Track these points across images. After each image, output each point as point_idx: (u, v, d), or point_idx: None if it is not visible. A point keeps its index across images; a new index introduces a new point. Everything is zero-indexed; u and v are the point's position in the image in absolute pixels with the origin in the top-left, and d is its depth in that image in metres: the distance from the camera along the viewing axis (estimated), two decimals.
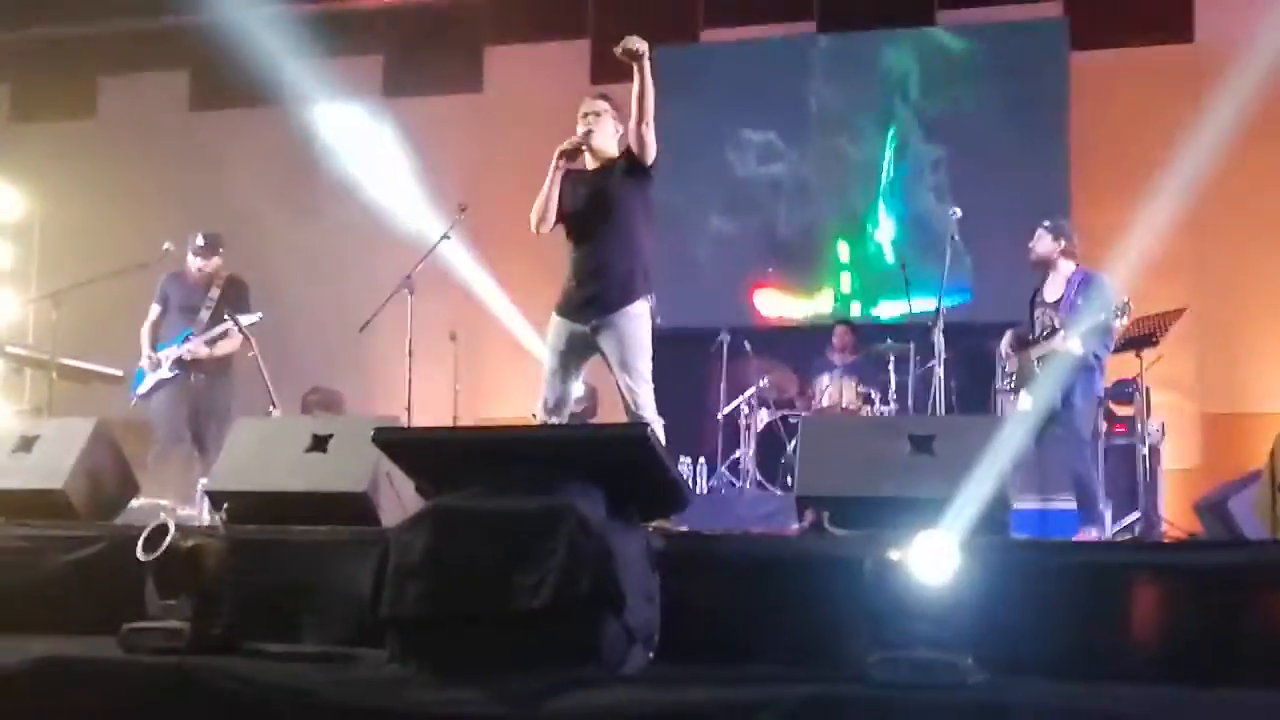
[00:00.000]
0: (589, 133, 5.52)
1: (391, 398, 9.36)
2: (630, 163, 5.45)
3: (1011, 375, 7.06)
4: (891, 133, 10.39)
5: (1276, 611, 3.68)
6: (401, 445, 4.11)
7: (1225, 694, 3.38)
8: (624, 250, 5.47)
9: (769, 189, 10.59)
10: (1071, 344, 6.66)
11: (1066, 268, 6.99)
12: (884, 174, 10.40)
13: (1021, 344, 7.02)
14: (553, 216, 5.56)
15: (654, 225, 5.62)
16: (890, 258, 10.20)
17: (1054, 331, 6.82)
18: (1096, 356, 6.78)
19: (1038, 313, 7.01)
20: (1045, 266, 7.03)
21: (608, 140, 5.57)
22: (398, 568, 3.68)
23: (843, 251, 10.47)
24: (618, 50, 5.30)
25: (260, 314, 7.27)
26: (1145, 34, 9.97)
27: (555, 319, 5.58)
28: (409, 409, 6.82)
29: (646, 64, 5.31)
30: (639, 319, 5.44)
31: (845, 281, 10.45)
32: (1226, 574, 3.76)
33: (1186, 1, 9.96)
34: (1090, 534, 6.46)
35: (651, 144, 5.39)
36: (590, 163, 5.61)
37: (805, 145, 10.55)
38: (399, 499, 4.44)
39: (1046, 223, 7.17)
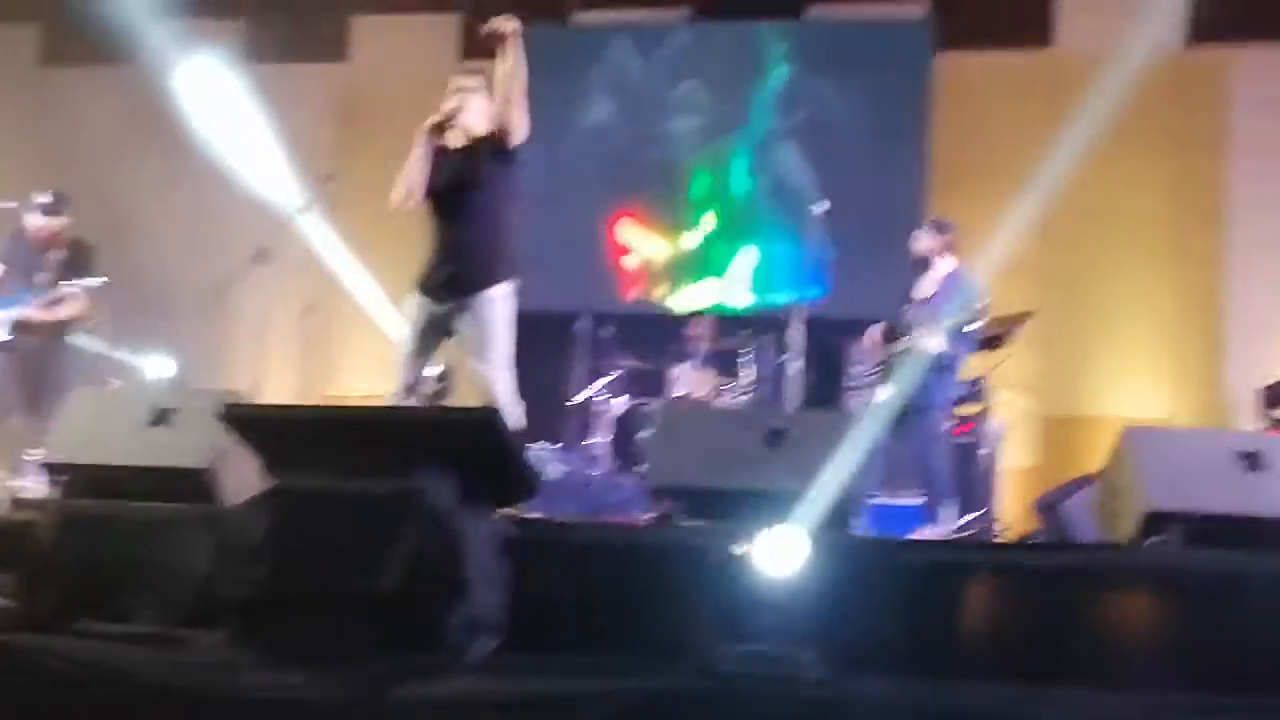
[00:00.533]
0: (458, 109, 5.38)
1: (238, 371, 9.18)
2: (497, 143, 5.36)
3: (872, 369, 7.08)
4: (757, 123, 10.44)
5: (1106, 612, 3.80)
6: (248, 422, 4.01)
7: (1056, 692, 3.47)
8: (488, 231, 5.37)
9: (635, 173, 10.57)
10: (929, 341, 6.69)
11: (945, 266, 7.02)
12: (749, 161, 10.45)
13: (888, 338, 7.04)
14: (418, 192, 5.41)
15: (519, 207, 5.53)
16: (751, 245, 10.27)
17: (919, 327, 6.84)
18: (955, 356, 6.83)
19: (907, 309, 7.01)
20: (923, 264, 7.04)
21: (477, 117, 5.42)
22: (238, 548, 3.61)
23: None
24: (484, 29, 5.24)
25: (105, 278, 6.97)
26: (1007, 38, 10.18)
27: (414, 297, 5.45)
28: (258, 384, 6.66)
29: (516, 44, 5.25)
30: (501, 302, 5.34)
31: (704, 270, 10.48)
32: (1060, 575, 3.87)
33: (1047, 8, 10.18)
34: (930, 530, 6.59)
35: (520, 125, 5.31)
36: (458, 140, 5.45)
37: (672, 132, 10.54)
38: (243, 477, 4.31)
39: (930, 219, 7.22)
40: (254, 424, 4.01)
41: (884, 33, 10.29)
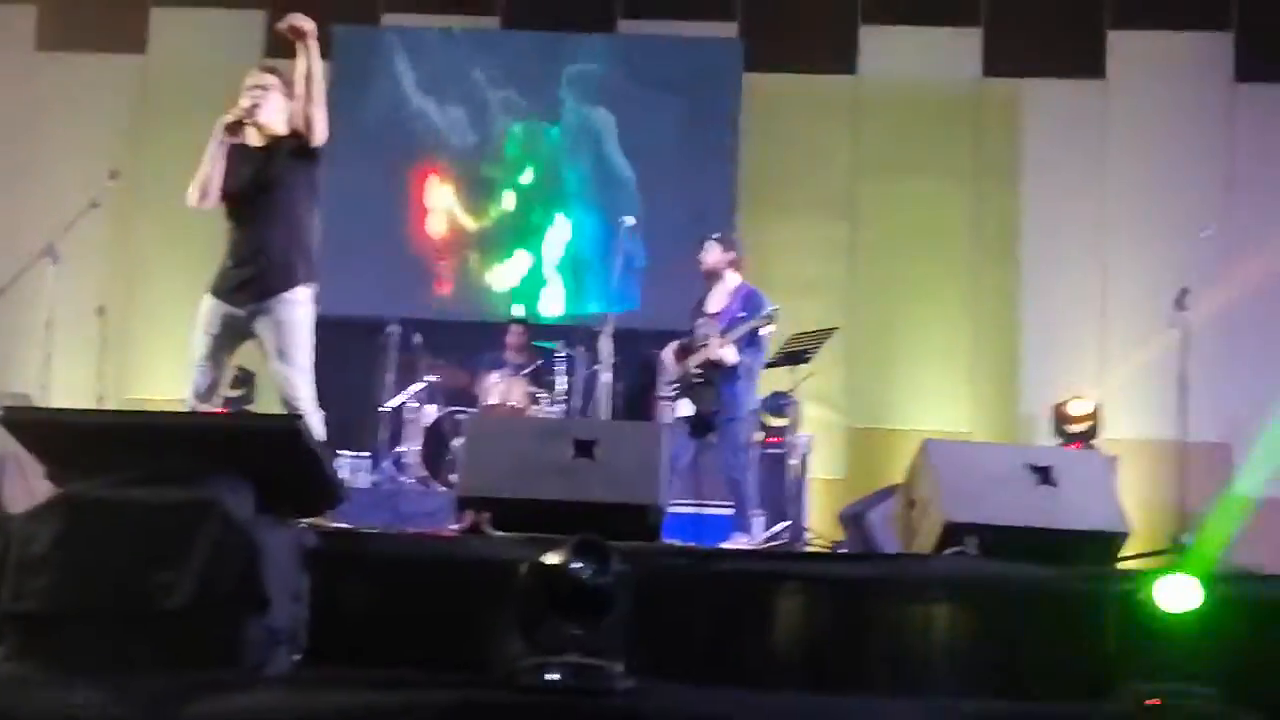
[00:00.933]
0: (255, 106, 5.19)
1: (27, 375, 8.75)
2: (297, 142, 5.20)
3: (673, 383, 7.16)
4: (569, 136, 10.46)
5: (903, 621, 3.89)
6: (30, 427, 3.81)
7: (855, 701, 3.54)
8: (286, 233, 5.20)
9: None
10: (725, 352, 6.82)
11: (732, 280, 7.15)
12: (559, 176, 10.46)
13: (684, 353, 7.13)
14: (215, 192, 5.21)
15: (317, 209, 5.37)
16: (562, 260, 10.28)
17: (710, 340, 6.95)
18: (749, 367, 6.95)
19: (699, 323, 7.11)
20: (712, 278, 7.15)
21: (274, 116, 5.24)
22: (20, 559, 3.44)
23: (517, 247, 10.47)
24: (282, 26, 5.12)
25: None
26: (813, 62, 10.41)
27: (208, 300, 5.24)
28: (46, 388, 6.33)
29: (313, 43, 5.13)
30: (299, 305, 5.19)
31: (516, 279, 10.44)
32: (860, 584, 3.95)
33: (850, 36, 10.44)
34: (741, 540, 6.67)
35: (320, 125, 5.17)
36: (255, 139, 5.27)
37: (483, 137, 10.48)
38: (27, 485, 4.11)
39: (716, 234, 7.31)
40: (37, 428, 3.82)
41: (697, 49, 10.41)
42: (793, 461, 8.06)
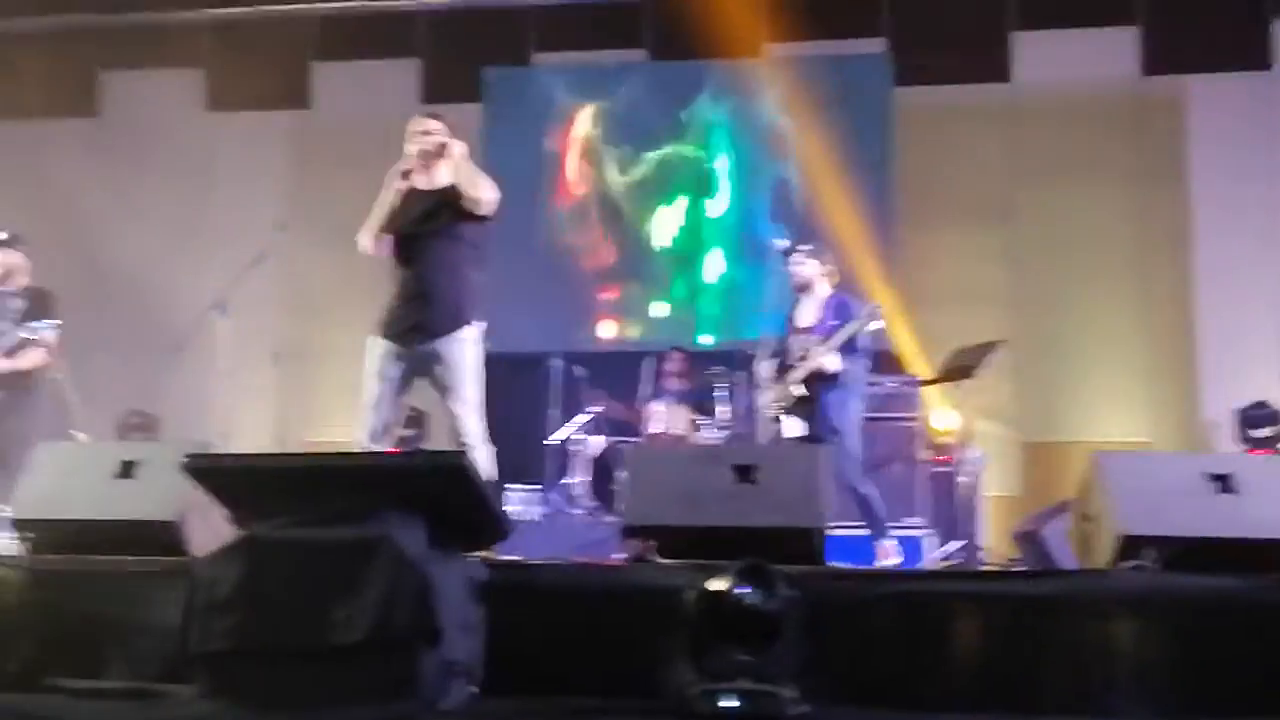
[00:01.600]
0: (424, 152, 5.36)
1: (210, 420, 9.11)
2: (463, 205, 5.33)
3: (776, 403, 6.90)
4: (723, 162, 10.50)
5: (1083, 639, 3.78)
6: (212, 472, 3.96)
7: None
8: (453, 275, 5.33)
9: (599, 213, 10.61)
10: (828, 360, 6.61)
11: (823, 291, 6.92)
12: (716, 201, 10.50)
13: (782, 372, 6.89)
14: (385, 235, 5.38)
15: (486, 250, 5.49)
16: (718, 285, 10.31)
17: (809, 352, 6.71)
18: (853, 374, 6.72)
19: (792, 340, 6.88)
20: (803, 290, 6.94)
21: (441, 163, 5.40)
22: (208, 600, 3.55)
23: (675, 276, 10.53)
24: (418, 152, 5.31)
25: (59, 321, 6.80)
26: (965, 72, 10.28)
27: (378, 342, 5.36)
28: (226, 434, 6.59)
29: (448, 155, 5.32)
30: (468, 344, 5.29)
31: (677, 306, 10.50)
32: (1036, 602, 3.85)
33: (1004, 43, 10.29)
34: (887, 548, 6.53)
35: (487, 200, 5.31)
36: (424, 183, 5.40)
37: (632, 171, 10.59)
38: (211, 528, 4.27)
39: (807, 247, 7.09)
40: (219, 474, 3.96)
41: (846, 66, 10.36)
42: (964, 479, 7.90)
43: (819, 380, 6.65)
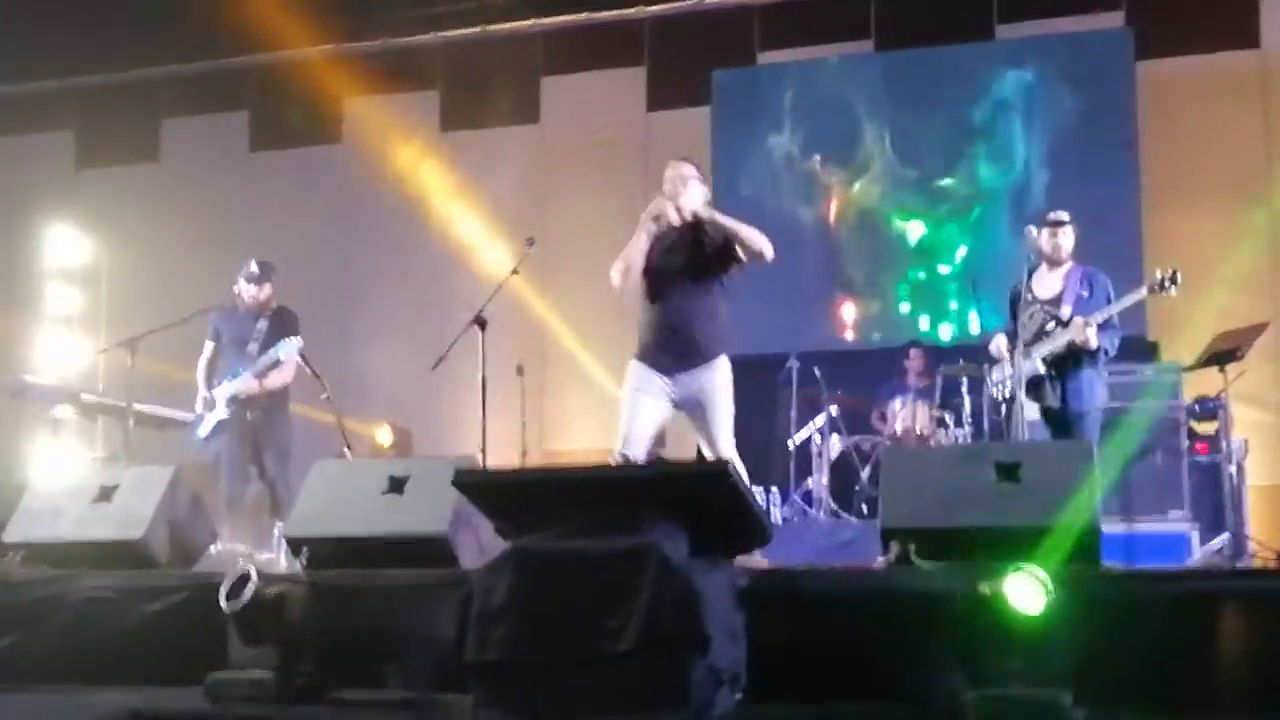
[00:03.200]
0: (677, 194, 5.53)
1: (458, 433, 9.41)
2: (726, 245, 5.52)
3: (1002, 382, 6.56)
4: (962, 150, 10.29)
5: None
6: (481, 486, 4.08)
7: None
8: (708, 310, 5.54)
9: (833, 209, 10.55)
10: (1090, 333, 6.17)
11: (1067, 264, 6.51)
12: (957, 191, 10.30)
13: (1025, 344, 6.38)
14: (637, 274, 5.57)
15: (736, 284, 5.66)
16: (963, 275, 10.11)
17: (1060, 327, 6.29)
18: (1107, 351, 6.31)
19: (1029, 312, 6.36)
20: (1058, 262, 6.50)
21: (695, 203, 5.55)
22: (481, 612, 3.65)
23: (911, 270, 10.39)
24: (677, 215, 5.45)
25: (300, 340, 7.10)
26: (1211, 41, 9.82)
27: (636, 364, 5.57)
28: (483, 448, 6.78)
29: (712, 218, 5.46)
30: (721, 373, 5.51)
31: (914, 301, 10.35)
32: None
33: (1252, 7, 9.78)
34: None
35: (768, 254, 5.49)
36: (677, 222, 5.55)
37: (869, 164, 10.47)
38: (478, 541, 4.40)
39: (1065, 217, 6.59)
40: (487, 488, 4.08)
41: (1084, 43, 10.03)
42: (1229, 469, 7.53)
43: (1071, 356, 6.26)
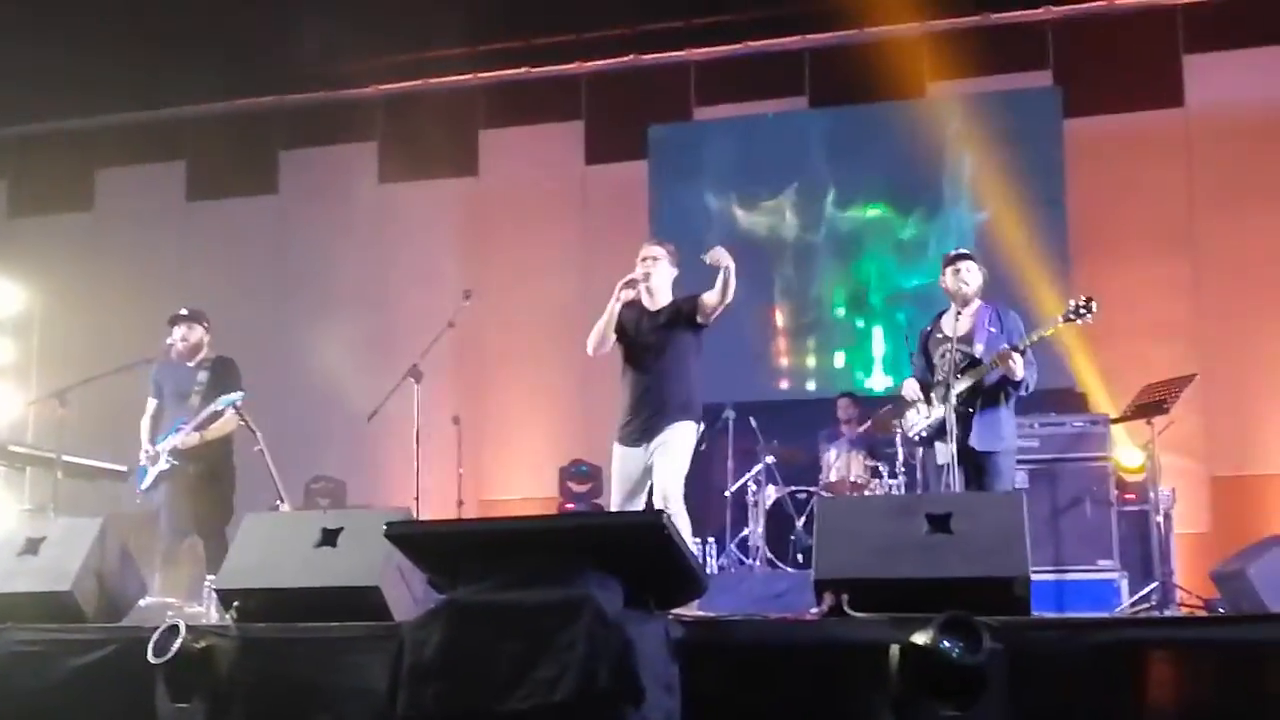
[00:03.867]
0: (648, 275, 6.12)
1: (393, 484, 9.36)
2: (692, 313, 6.07)
3: (916, 424, 6.49)
4: (891, 206, 10.45)
5: None
6: (414, 538, 4.06)
7: None
8: (679, 382, 6.06)
9: (769, 262, 10.64)
10: (1016, 362, 6.09)
11: (975, 303, 6.47)
12: (887, 245, 10.44)
13: (925, 387, 6.43)
14: (609, 342, 6.11)
15: (701, 357, 6.18)
16: (887, 330, 10.24)
17: (972, 364, 6.25)
18: (1026, 387, 6.24)
19: (940, 350, 6.37)
20: (967, 301, 6.43)
21: (664, 283, 6.18)
22: (414, 665, 3.63)
23: (846, 319, 10.50)
24: (706, 258, 5.95)
25: (243, 392, 7.07)
26: (1136, 100, 10.06)
27: (618, 449, 6.08)
28: (417, 499, 6.74)
29: (728, 274, 5.92)
30: (686, 432, 6.01)
31: (849, 351, 10.45)
32: (1251, 648, 3.70)
33: (1176, 67, 10.04)
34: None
35: (717, 309, 6.01)
36: (648, 301, 6.16)
37: (803, 218, 10.60)
38: (411, 592, 4.37)
39: (967, 251, 6.64)
40: (419, 540, 4.06)
41: (1013, 101, 10.24)
42: (1156, 519, 7.65)
43: (983, 394, 6.21)
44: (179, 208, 12.07)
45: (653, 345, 6.08)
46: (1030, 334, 6.26)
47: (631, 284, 6.09)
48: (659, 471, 5.92)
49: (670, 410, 5.98)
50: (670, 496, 5.84)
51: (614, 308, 6.08)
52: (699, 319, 6.06)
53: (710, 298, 5.99)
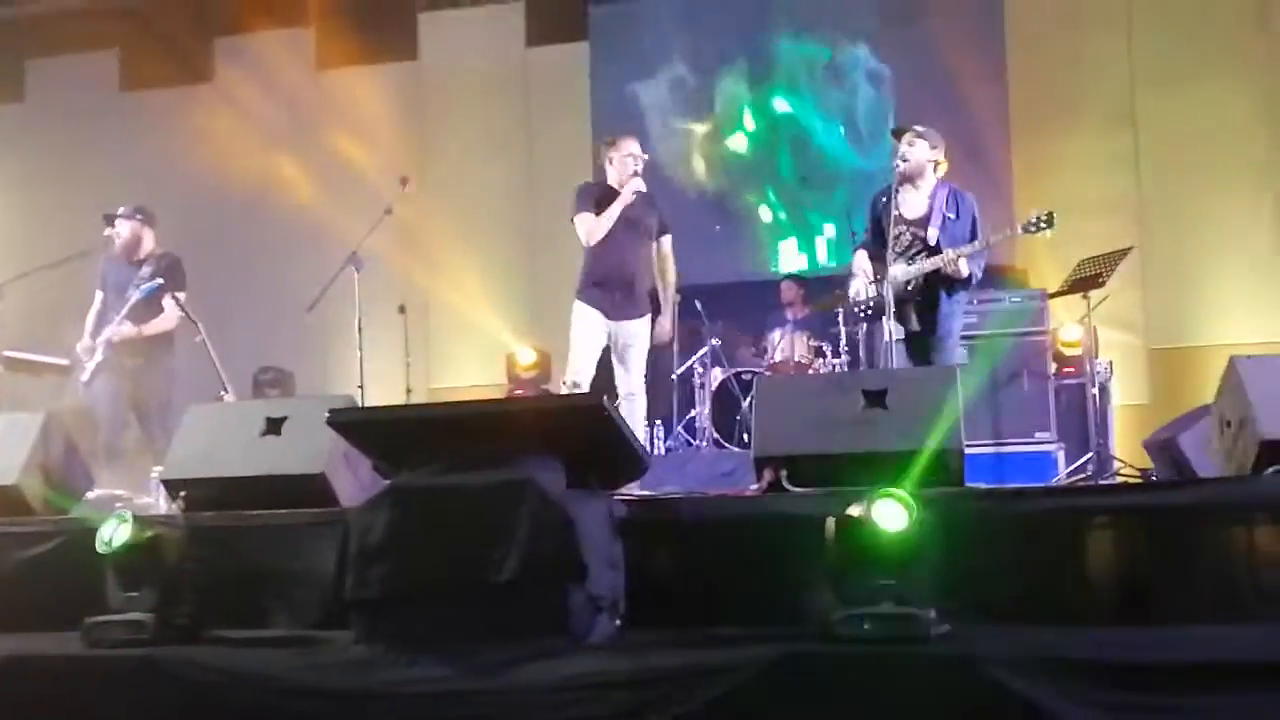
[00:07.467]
0: (635, 173, 6.77)
1: (342, 374, 9.34)
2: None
3: (866, 301, 6.48)
4: (832, 77, 10.39)
5: (1227, 547, 3.74)
6: (356, 425, 4.08)
7: (1179, 630, 3.43)
8: (646, 267, 6.83)
9: (712, 143, 10.60)
10: (960, 265, 6.14)
11: (930, 181, 6.36)
12: (823, 121, 10.41)
13: (878, 263, 6.38)
14: (599, 235, 6.66)
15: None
16: (836, 206, 10.24)
17: (926, 250, 6.25)
18: (974, 277, 6.27)
19: (895, 231, 6.22)
20: (908, 180, 6.33)
21: (644, 181, 6.84)
22: (360, 549, 3.68)
23: (789, 200, 10.50)
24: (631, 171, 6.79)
25: (168, 287, 6.99)
26: None
27: (584, 308, 6.67)
28: (361, 386, 6.75)
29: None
30: (647, 326, 6.79)
31: (793, 232, 10.47)
32: (1178, 512, 3.81)
33: None
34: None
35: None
36: (629, 196, 6.74)
37: (750, 96, 10.54)
38: (357, 479, 4.41)
39: (920, 128, 6.45)
40: (363, 427, 4.09)
41: None
42: (1092, 391, 7.80)
43: (942, 281, 6.23)
44: (113, 98, 11.83)
45: (631, 233, 6.74)
46: (980, 240, 6.21)
47: (633, 176, 6.74)
48: (628, 370, 6.71)
49: (641, 295, 6.73)
50: (637, 387, 6.75)
51: (616, 209, 6.65)
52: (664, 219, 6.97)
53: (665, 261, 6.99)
